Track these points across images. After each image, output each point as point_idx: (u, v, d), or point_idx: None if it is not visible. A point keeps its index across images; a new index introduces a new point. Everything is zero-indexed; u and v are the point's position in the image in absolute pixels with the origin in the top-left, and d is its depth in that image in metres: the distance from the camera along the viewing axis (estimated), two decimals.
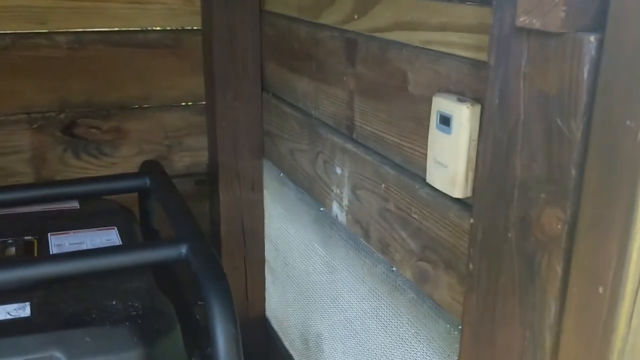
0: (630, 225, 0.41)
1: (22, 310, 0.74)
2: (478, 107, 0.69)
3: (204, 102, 1.49)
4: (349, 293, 1.10)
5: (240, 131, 1.44)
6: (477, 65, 0.70)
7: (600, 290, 0.43)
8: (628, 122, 0.40)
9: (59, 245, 0.91)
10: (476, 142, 0.70)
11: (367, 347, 1.05)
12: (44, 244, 0.91)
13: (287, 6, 1.25)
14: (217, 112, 1.41)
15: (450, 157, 0.72)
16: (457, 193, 0.73)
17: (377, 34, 0.92)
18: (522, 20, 0.46)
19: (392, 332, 0.96)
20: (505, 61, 0.50)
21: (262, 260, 1.52)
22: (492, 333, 0.55)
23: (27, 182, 1.32)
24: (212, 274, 0.76)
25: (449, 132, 0.72)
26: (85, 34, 1.37)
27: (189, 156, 1.52)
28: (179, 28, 1.44)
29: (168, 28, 1.42)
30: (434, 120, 0.75)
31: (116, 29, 1.39)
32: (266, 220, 1.50)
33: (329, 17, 1.06)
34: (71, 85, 1.39)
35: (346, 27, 1.00)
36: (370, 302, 1.02)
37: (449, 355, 0.80)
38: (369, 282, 1.02)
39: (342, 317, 1.14)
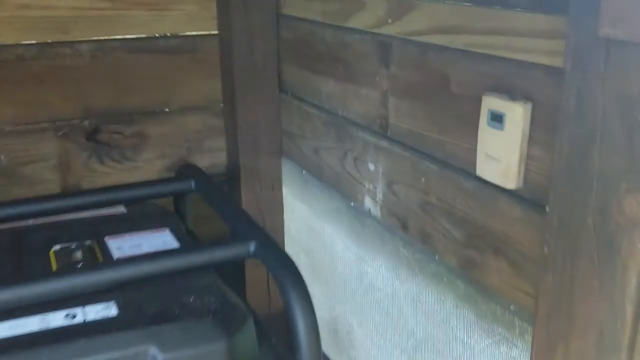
0: None
1: (109, 309, 0.78)
2: (530, 105, 0.76)
3: (221, 105, 1.53)
4: (383, 282, 1.17)
5: (260, 132, 1.49)
6: (524, 66, 0.77)
7: None
8: None
9: (119, 248, 0.95)
10: (528, 136, 0.77)
11: (405, 332, 1.12)
12: (105, 248, 0.95)
13: (308, 10, 1.30)
14: (237, 113, 1.46)
15: (504, 151, 0.79)
16: (510, 184, 0.79)
17: (414, 38, 0.98)
18: (606, 31, 0.52)
19: (434, 317, 1.03)
20: (582, 66, 0.57)
21: None
22: (570, 306, 0.61)
23: (75, 191, 1.36)
24: (286, 268, 0.81)
25: (501, 129, 0.79)
26: (107, 41, 1.41)
27: (208, 157, 1.56)
28: (197, 33, 1.48)
29: (187, 34, 1.47)
30: (484, 117, 0.82)
31: (137, 36, 1.43)
32: (286, 217, 1.56)
33: (359, 21, 1.11)
34: (94, 93, 1.42)
35: (379, 30, 1.06)
36: (409, 289, 1.09)
37: (500, 334, 0.87)
38: (406, 270, 1.08)
39: (377, 306, 1.20)
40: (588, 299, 0.60)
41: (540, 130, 0.75)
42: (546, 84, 0.73)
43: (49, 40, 1.36)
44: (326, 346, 1.46)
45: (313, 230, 1.42)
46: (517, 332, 0.84)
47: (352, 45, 1.15)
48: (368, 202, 1.17)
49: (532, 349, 0.71)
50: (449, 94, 0.91)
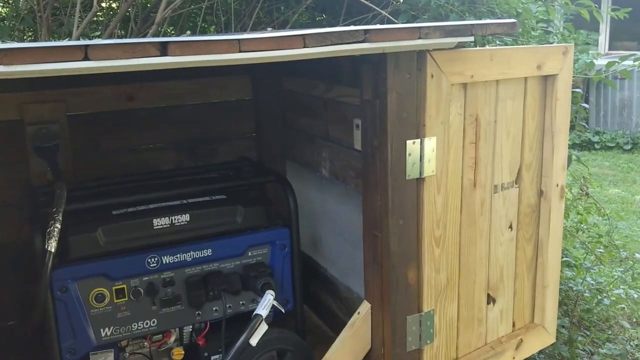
0: None
1: (220, 195, 2.23)
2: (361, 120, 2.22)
3: (254, 134, 3.01)
4: (333, 203, 2.61)
5: (274, 146, 2.96)
6: (359, 106, 2.23)
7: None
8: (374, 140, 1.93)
9: None
10: (363, 130, 2.23)
11: (338, 222, 2.55)
12: None
13: (296, 86, 2.79)
14: (264, 138, 2.94)
15: (360, 137, 2.25)
16: (360, 148, 2.24)
17: (336, 98, 2.45)
18: (364, 96, 2.00)
19: (344, 209, 2.47)
20: (365, 107, 2.03)
21: None
22: (367, 174, 2.06)
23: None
24: (288, 188, 2.28)
25: (358, 129, 2.25)
26: (200, 104, 2.89)
27: None
28: (243, 98, 2.97)
29: (240, 98, 2.96)
30: (355, 126, 2.28)
31: (215, 101, 2.92)
32: None
33: (315, 92, 2.59)
34: (192, 129, 2.90)
35: (324, 95, 2.53)
36: (338, 202, 2.53)
37: (357, 200, 2.31)
38: (337, 195, 2.53)
39: (330, 215, 2.64)
40: (372, 183, 2.04)
41: (365, 127, 2.20)
42: (364, 111, 2.19)
43: (171, 104, 2.85)
44: (311, 252, 2.88)
45: (302, 188, 2.87)
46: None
47: (314, 102, 2.63)
48: (323, 171, 2.63)
49: (362, 201, 2.15)
50: (347, 119, 2.38)
